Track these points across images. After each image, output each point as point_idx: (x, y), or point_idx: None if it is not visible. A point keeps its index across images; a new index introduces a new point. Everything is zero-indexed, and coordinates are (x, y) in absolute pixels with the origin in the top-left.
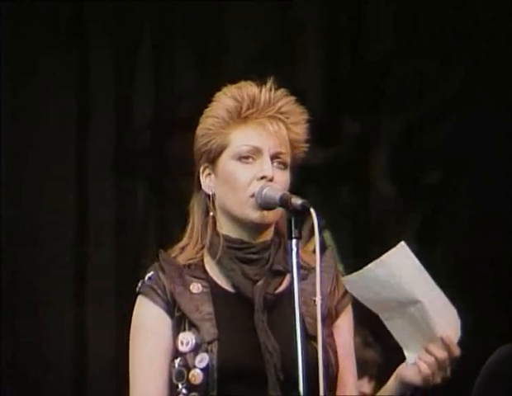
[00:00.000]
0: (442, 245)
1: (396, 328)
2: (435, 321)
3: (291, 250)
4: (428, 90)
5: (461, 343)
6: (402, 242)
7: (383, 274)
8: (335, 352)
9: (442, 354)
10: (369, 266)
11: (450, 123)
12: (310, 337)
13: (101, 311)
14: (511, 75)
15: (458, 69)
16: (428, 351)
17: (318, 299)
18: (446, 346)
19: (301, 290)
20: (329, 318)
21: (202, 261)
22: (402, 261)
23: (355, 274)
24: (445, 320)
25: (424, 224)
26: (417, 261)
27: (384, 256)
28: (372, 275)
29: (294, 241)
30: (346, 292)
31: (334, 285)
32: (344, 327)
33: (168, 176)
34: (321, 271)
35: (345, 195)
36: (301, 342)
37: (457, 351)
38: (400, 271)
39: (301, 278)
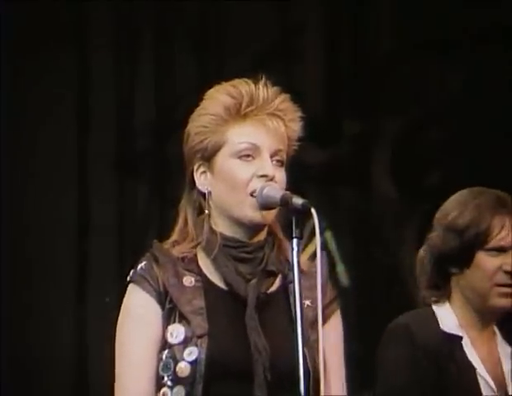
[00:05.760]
0: None
1: None
2: None
3: (292, 250)
4: (428, 90)
5: None
6: None
7: None
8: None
9: None
10: None
11: (450, 123)
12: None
13: (102, 311)
14: (511, 75)
15: (458, 69)
16: None
17: (318, 299)
18: None
19: (293, 293)
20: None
21: (196, 256)
22: None
23: None
24: None
25: (424, 224)
26: None
27: None
28: None
29: (295, 241)
30: (335, 298)
31: (324, 290)
32: (332, 331)
33: (169, 176)
34: (311, 276)
35: (345, 195)
36: (301, 345)
37: None
38: None
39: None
